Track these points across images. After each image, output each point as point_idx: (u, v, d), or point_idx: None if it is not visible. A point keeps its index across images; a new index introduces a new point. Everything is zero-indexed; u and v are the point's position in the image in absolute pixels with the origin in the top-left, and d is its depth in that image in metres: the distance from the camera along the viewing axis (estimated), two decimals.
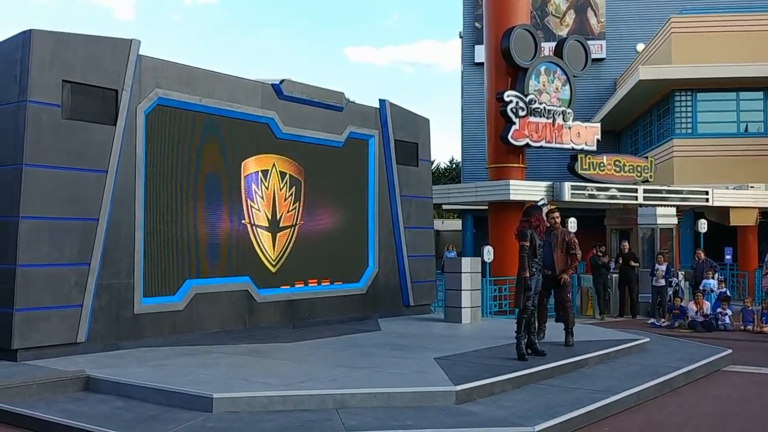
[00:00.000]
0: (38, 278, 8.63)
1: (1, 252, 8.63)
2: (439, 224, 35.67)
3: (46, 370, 7.86)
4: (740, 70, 23.02)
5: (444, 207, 28.49)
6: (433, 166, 46.82)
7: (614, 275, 17.61)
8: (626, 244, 17.78)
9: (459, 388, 7.30)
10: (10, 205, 8.61)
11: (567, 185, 18.70)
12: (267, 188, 11.70)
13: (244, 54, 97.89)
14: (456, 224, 35.98)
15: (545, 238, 9.87)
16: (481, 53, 26.71)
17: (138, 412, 6.73)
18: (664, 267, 16.70)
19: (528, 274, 9.07)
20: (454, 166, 49.19)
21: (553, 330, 10.09)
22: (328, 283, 12.66)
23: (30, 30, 8.75)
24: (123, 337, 9.49)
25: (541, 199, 11.09)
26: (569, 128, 19.12)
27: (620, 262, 17.62)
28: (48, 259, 8.72)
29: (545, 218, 9.96)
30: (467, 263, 13.10)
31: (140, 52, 9.77)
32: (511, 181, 17.95)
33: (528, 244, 9.10)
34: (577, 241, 10.45)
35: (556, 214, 10.38)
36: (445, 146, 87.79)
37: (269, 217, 11.71)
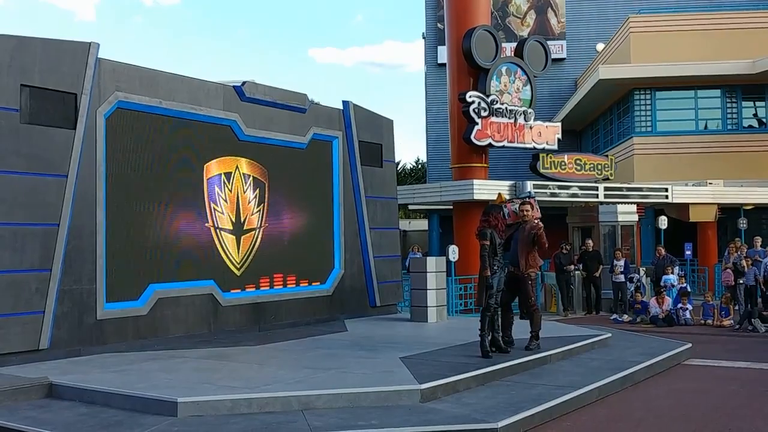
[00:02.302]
0: None
1: None
2: (406, 224, 35.83)
3: (7, 378, 7.76)
4: (698, 68, 23.50)
5: (410, 207, 28.63)
6: (399, 166, 46.99)
7: (577, 272, 17.81)
8: (590, 242, 18.02)
9: (424, 386, 7.37)
10: None
11: (529, 184, 18.90)
12: (230, 191, 11.66)
13: (207, 56, 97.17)
14: (423, 224, 36.15)
15: (514, 233, 9.89)
16: (443, 54, 26.82)
17: (102, 417, 6.69)
18: (622, 263, 16.99)
19: (489, 273, 9.17)
20: (419, 166, 49.39)
21: (519, 326, 10.17)
22: (294, 285, 12.66)
23: None
24: (86, 343, 9.40)
25: (528, 192, 11.26)
26: (531, 128, 19.35)
27: (585, 260, 17.75)
28: (8, 265, 8.61)
29: (517, 211, 9.98)
30: (432, 263, 13.19)
31: (100, 55, 9.68)
32: (475, 181, 18.12)
33: (488, 243, 9.20)
34: (543, 232, 9.87)
35: (527, 206, 9.95)
36: (411, 147, 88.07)
37: (233, 219, 11.67)
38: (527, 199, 10.44)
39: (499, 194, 11.83)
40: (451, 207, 19.90)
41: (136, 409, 6.90)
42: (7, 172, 8.66)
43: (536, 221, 10.01)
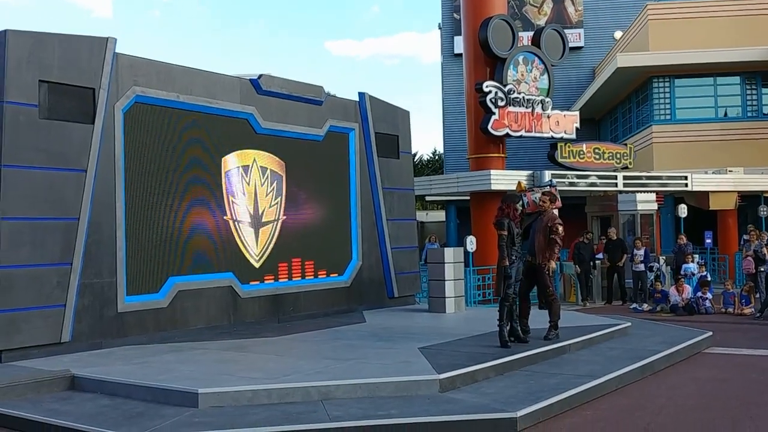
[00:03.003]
0: (20, 279, 8.61)
1: None
2: (423, 216, 35.78)
3: (30, 371, 7.86)
4: (717, 55, 23.24)
5: (427, 198, 28.57)
6: (416, 158, 46.90)
7: (597, 261, 17.73)
8: (613, 230, 17.88)
9: (442, 376, 7.38)
10: None
11: (547, 174, 18.79)
12: (248, 183, 11.71)
13: (224, 49, 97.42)
14: (440, 215, 36.10)
15: (532, 223, 9.84)
16: (460, 44, 26.77)
17: (124, 409, 6.76)
18: (642, 252, 16.87)
19: (508, 263, 9.16)
20: (436, 157, 49.28)
21: (538, 315, 10.16)
22: (312, 277, 12.70)
23: (5, 30, 8.71)
24: (107, 335, 9.49)
25: (549, 181, 11.17)
26: (548, 117, 19.22)
27: (608, 248, 17.63)
28: (29, 259, 8.71)
29: (537, 201, 9.92)
30: (450, 253, 13.18)
31: (117, 50, 9.74)
32: (492, 171, 18.04)
33: (505, 233, 9.18)
34: (560, 225, 9.84)
35: (546, 197, 9.97)
36: (428, 138, 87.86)
37: (251, 212, 11.72)
38: (548, 188, 10.39)
39: (519, 183, 11.74)
40: (469, 198, 19.85)
41: (157, 400, 6.97)
42: (26, 167, 8.75)
43: (555, 213, 9.98)
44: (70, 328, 9.03)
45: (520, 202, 9.60)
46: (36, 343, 8.72)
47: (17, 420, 6.68)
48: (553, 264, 9.85)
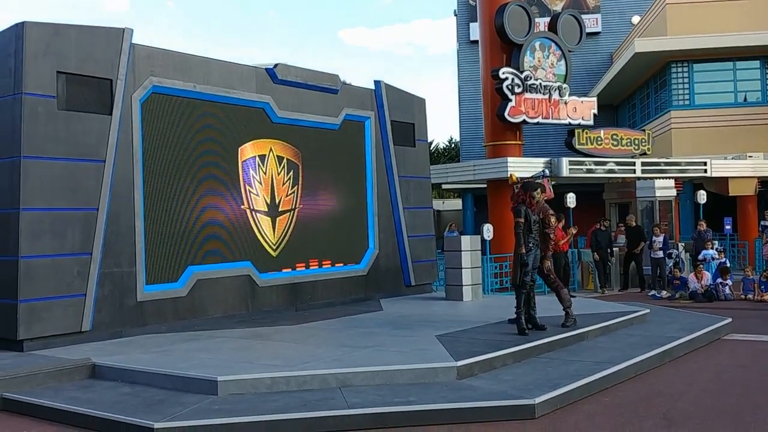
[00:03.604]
0: (41, 269, 8.70)
1: (3, 244, 8.71)
2: (440, 204, 35.72)
3: (52, 359, 7.95)
4: (736, 39, 22.96)
5: (443, 186, 28.52)
6: (432, 146, 46.83)
7: (616, 248, 17.65)
8: (632, 217, 17.77)
9: (460, 363, 7.39)
10: (11, 198, 8.67)
11: (565, 161, 18.71)
12: (265, 173, 11.74)
13: (239, 39, 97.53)
14: (456, 204, 36.01)
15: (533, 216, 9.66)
16: (475, 31, 26.64)
17: (144, 397, 6.82)
18: (660, 239, 16.75)
19: (525, 250, 9.14)
20: (452, 145, 49.15)
21: (554, 304, 10.13)
22: (329, 266, 12.74)
23: (23, 22, 8.76)
24: (127, 324, 9.58)
25: (542, 171, 11.01)
26: (566, 103, 19.12)
27: (628, 235, 17.53)
28: (50, 249, 8.79)
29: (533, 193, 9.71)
30: (467, 241, 13.15)
31: (134, 41, 9.78)
32: (509, 159, 17.97)
33: (522, 220, 9.16)
34: (552, 217, 9.66)
35: (537, 190, 9.59)
36: (444, 126, 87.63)
37: (268, 201, 11.76)
38: (540, 180, 10.17)
39: (511, 175, 11.52)
40: (485, 186, 19.80)
41: (177, 388, 7.03)
42: (46, 158, 8.82)
43: (546, 204, 9.71)
44: (90, 317, 9.12)
45: (538, 189, 9.55)
46: (57, 332, 8.82)
47: (39, 408, 6.77)
48: (548, 262, 9.54)
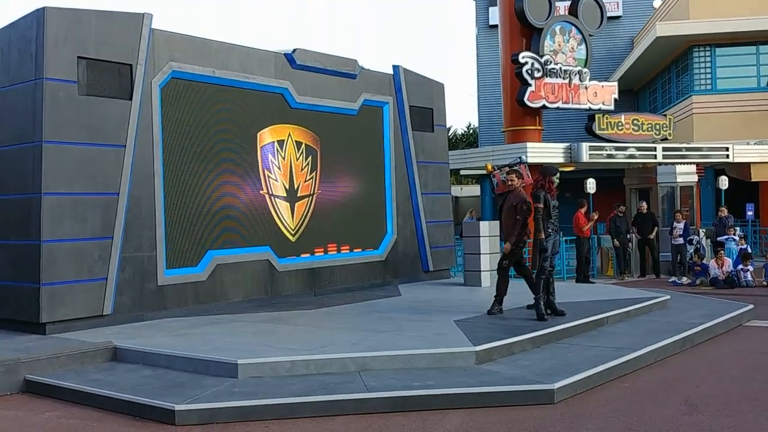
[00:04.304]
0: (63, 253, 8.78)
1: (25, 228, 8.79)
2: (458, 190, 35.63)
3: (74, 342, 8.04)
4: (759, 23, 22.65)
5: (462, 172, 28.45)
6: (450, 132, 46.65)
7: (631, 234, 17.53)
8: (644, 204, 17.66)
9: (479, 348, 7.38)
10: (32, 183, 8.74)
11: (585, 146, 18.61)
12: (283, 158, 11.76)
13: (255, 22, 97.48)
14: (475, 190, 35.90)
15: (502, 204, 9.48)
16: (495, 15, 26.45)
17: (166, 379, 6.89)
18: (681, 225, 16.62)
19: (543, 236, 9.10)
20: (471, 131, 48.95)
21: (572, 289, 10.10)
22: (348, 251, 12.76)
23: (44, 8, 8.80)
24: (148, 308, 9.66)
25: (518, 157, 10.86)
26: (586, 88, 18.99)
27: (638, 222, 17.42)
28: (71, 234, 8.87)
29: (506, 180, 9.46)
30: (485, 227, 13.11)
31: (153, 26, 9.80)
32: (529, 144, 17.90)
33: (542, 206, 9.12)
34: (526, 205, 9.22)
35: (513, 175, 9.52)
36: (462, 112, 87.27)
37: (287, 186, 11.78)
38: (517, 166, 9.99)
39: (487, 165, 11.31)
40: None
41: (197, 370, 7.09)
42: (67, 143, 8.87)
43: (522, 191, 9.46)
44: (111, 301, 9.20)
45: (557, 175, 9.48)
46: (79, 315, 8.91)
47: (62, 390, 6.86)
48: (508, 245, 9.30)
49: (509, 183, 9.66)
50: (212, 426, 5.94)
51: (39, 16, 8.79)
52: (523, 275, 9.67)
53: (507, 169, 10.00)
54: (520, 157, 10.93)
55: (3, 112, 9.13)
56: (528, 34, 18.46)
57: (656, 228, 17.07)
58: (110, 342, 8.00)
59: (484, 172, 27.41)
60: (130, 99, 9.51)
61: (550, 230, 9.21)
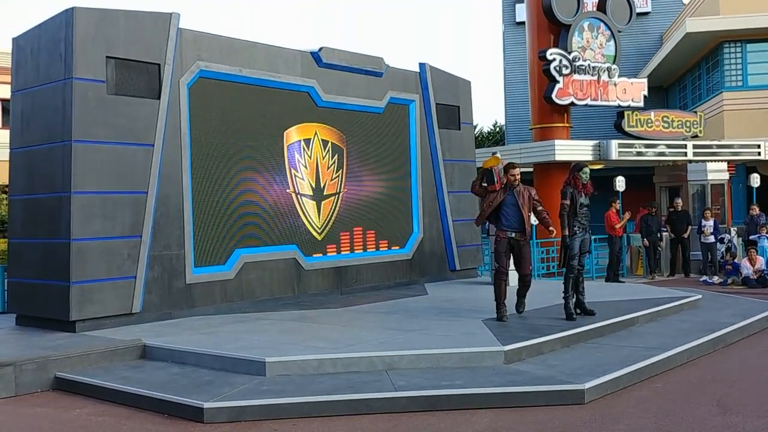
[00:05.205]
0: (92, 251, 8.85)
1: (55, 227, 8.88)
2: None
3: (103, 340, 8.10)
4: None
5: None
6: (476, 130, 46.37)
7: (664, 232, 17.31)
8: (679, 201, 17.41)
9: (507, 348, 7.31)
10: (62, 182, 8.82)
11: (614, 143, 18.40)
12: (310, 157, 11.76)
13: (280, 21, 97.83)
14: None
15: (505, 198, 9.16)
16: (522, 12, 26.26)
17: (194, 377, 6.91)
18: (711, 223, 16.38)
19: (569, 233, 8.98)
20: (497, 129, 48.68)
21: (602, 289, 9.97)
22: (374, 250, 12.73)
23: (73, 8, 8.88)
24: (176, 306, 9.71)
25: (493, 152, 10.62)
26: (615, 85, 18.78)
27: (672, 220, 17.19)
28: (101, 232, 8.94)
29: (502, 174, 9.21)
30: None
31: (180, 26, 9.85)
32: (557, 141, 17.73)
33: (568, 202, 9.00)
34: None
35: (516, 170, 9.19)
36: (489, 110, 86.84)
37: (313, 185, 11.79)
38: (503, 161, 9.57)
39: (495, 156, 10.52)
40: (532, 169, 19.57)
41: (226, 368, 7.10)
42: (96, 142, 8.94)
43: (532, 188, 9.29)
44: (140, 299, 9.26)
45: (584, 170, 9.28)
46: (108, 313, 8.98)
47: (92, 387, 6.91)
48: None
49: (514, 178, 9.20)
50: (240, 424, 5.95)
51: (68, 16, 8.87)
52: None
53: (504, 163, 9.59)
54: (495, 152, 10.65)
55: (33, 112, 9.23)
56: (555, 31, 18.30)
57: (689, 226, 16.82)
58: (139, 340, 8.05)
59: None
60: (159, 98, 9.56)
61: (576, 228, 9.07)
